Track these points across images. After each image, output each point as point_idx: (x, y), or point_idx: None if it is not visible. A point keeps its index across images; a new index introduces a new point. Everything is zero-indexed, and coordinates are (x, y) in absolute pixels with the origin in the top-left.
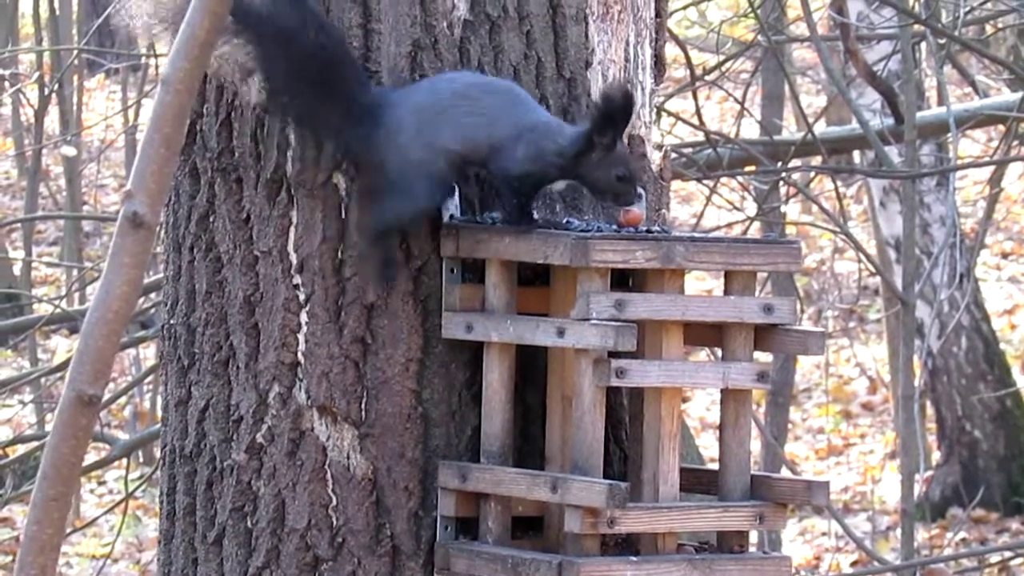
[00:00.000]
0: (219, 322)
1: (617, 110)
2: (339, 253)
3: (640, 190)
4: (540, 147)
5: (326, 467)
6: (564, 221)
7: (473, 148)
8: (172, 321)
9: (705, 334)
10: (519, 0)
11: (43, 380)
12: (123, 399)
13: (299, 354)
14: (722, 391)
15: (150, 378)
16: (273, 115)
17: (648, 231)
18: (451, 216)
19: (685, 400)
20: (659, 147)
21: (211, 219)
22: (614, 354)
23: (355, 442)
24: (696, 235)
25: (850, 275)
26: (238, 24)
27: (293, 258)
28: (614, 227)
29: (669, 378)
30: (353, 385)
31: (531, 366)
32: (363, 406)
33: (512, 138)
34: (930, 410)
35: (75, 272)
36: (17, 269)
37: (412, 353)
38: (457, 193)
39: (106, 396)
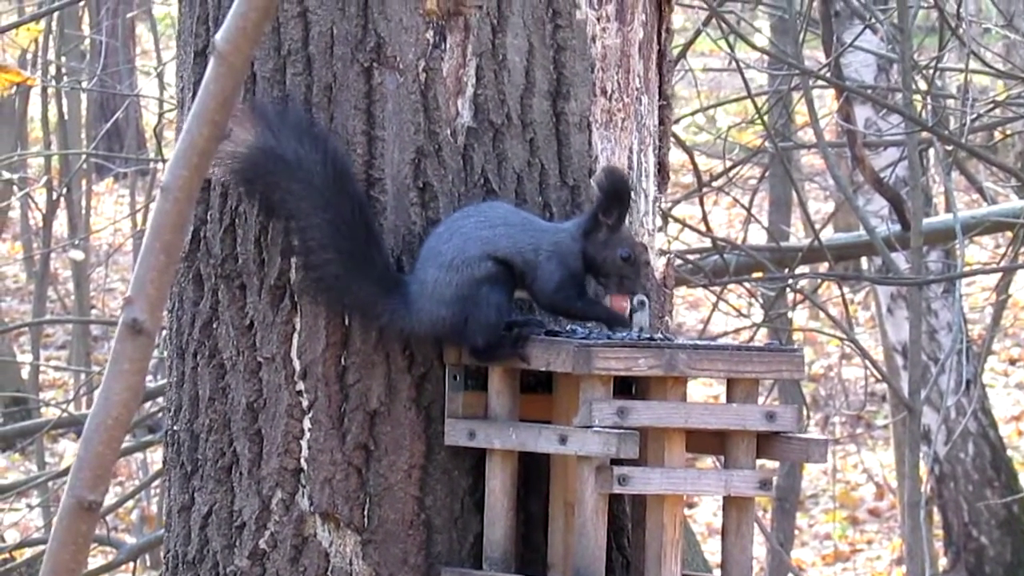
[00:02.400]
0: (222, 428)
1: (620, 185)
2: (342, 360)
3: (643, 297)
4: (560, 248)
5: (329, 573)
6: (567, 329)
7: (504, 248)
8: (175, 427)
9: (707, 441)
10: (523, 108)
11: (50, 484)
12: (130, 503)
13: (302, 460)
14: (724, 499)
15: (157, 482)
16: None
17: (651, 338)
18: None
19: (691, 505)
20: (663, 253)
21: (214, 325)
22: (616, 461)
23: (358, 548)
24: (699, 343)
25: (857, 381)
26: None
27: (296, 365)
28: (618, 335)
29: (671, 485)
30: (356, 491)
31: (534, 473)
32: (366, 512)
33: (533, 250)
34: (937, 516)
35: (82, 376)
36: (25, 373)
37: (415, 460)
38: None
39: (113, 500)
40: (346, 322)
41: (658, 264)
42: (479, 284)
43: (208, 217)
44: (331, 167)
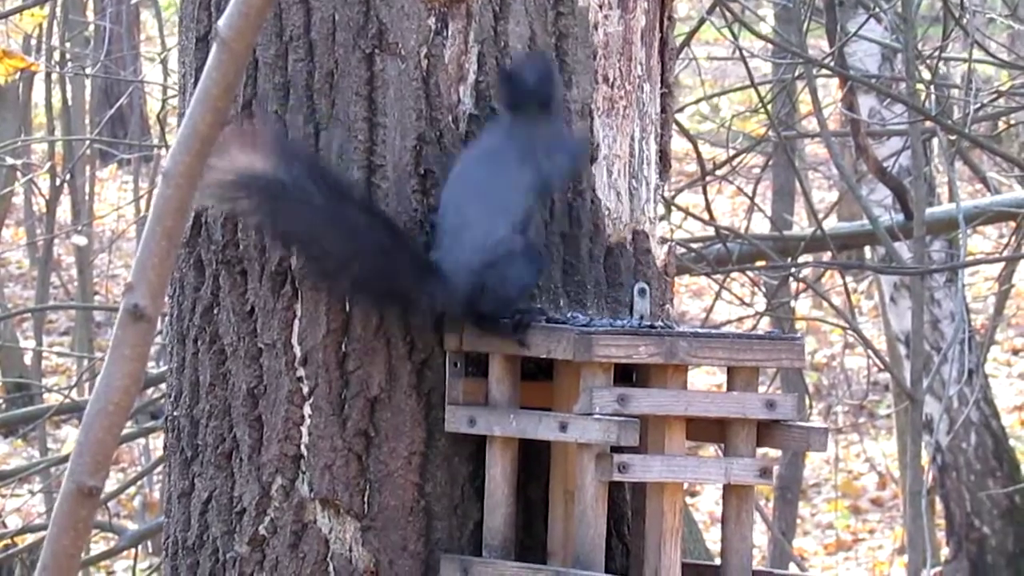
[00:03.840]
0: (222, 414)
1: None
2: (343, 346)
3: (644, 285)
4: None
5: (328, 560)
6: (568, 316)
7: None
8: (175, 413)
9: (708, 429)
10: None
11: (52, 470)
12: (132, 489)
13: (302, 447)
14: (724, 487)
15: (159, 468)
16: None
17: (651, 326)
18: None
19: (694, 494)
20: (664, 241)
21: (215, 311)
22: (616, 449)
23: (357, 535)
24: (699, 331)
25: (860, 370)
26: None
27: (297, 351)
28: (619, 323)
29: (671, 473)
30: (356, 478)
31: (534, 460)
32: (366, 499)
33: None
34: (939, 506)
35: (85, 362)
36: (28, 359)
37: (415, 446)
38: None
39: (115, 486)
40: (347, 308)
41: (659, 252)
42: (512, 256)
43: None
44: (323, 182)
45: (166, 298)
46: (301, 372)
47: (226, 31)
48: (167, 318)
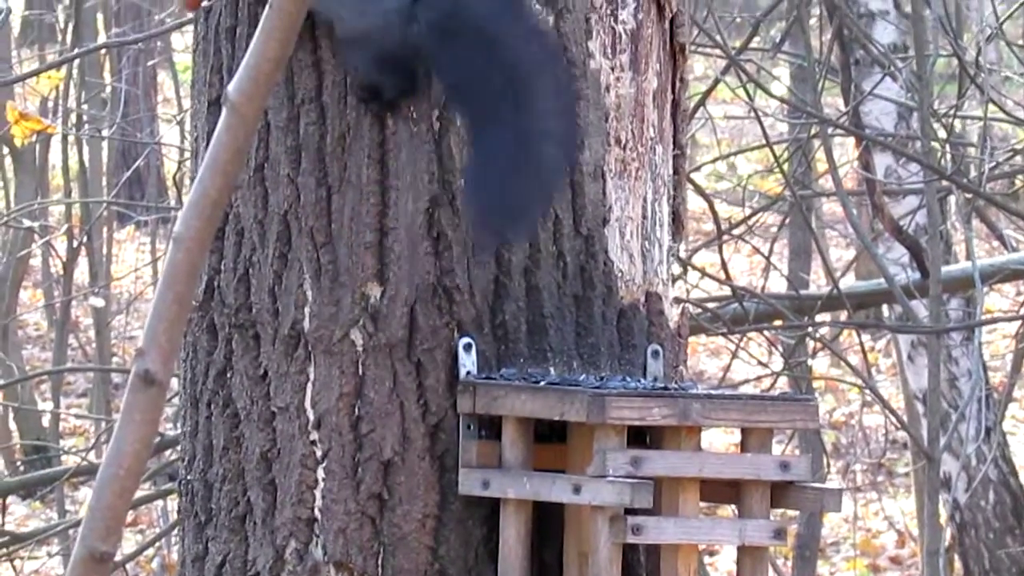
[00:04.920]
0: (236, 478)
1: None
2: (356, 409)
3: (657, 347)
4: None
5: None
6: (581, 377)
7: None
8: (189, 477)
9: (722, 490)
10: None
11: (70, 532)
12: (150, 551)
13: (316, 510)
14: (739, 548)
15: (177, 530)
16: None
17: (665, 388)
18: (468, 372)
19: (712, 553)
20: (677, 302)
21: (228, 375)
22: (630, 511)
23: None
24: (713, 392)
25: (878, 429)
26: None
27: (310, 414)
28: (633, 384)
29: (685, 535)
30: (370, 541)
31: (548, 522)
32: (380, 562)
33: None
34: (958, 564)
35: (103, 424)
36: (46, 420)
37: (429, 509)
38: (474, 349)
39: (134, 548)
40: (359, 372)
41: (672, 314)
42: None
43: (222, 266)
44: None
45: (179, 361)
46: (314, 435)
47: (236, 95)
48: (180, 381)
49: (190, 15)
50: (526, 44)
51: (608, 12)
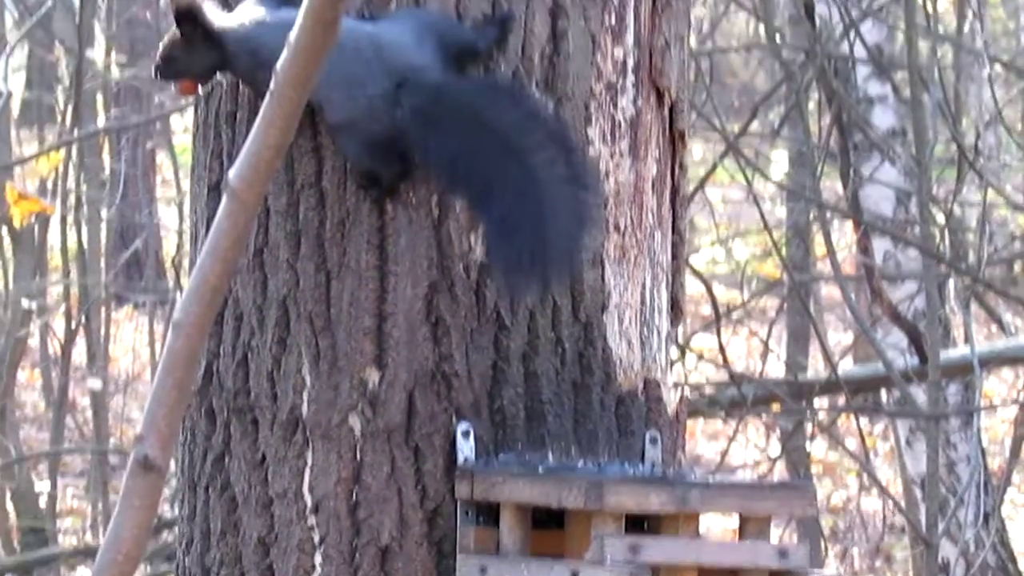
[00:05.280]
0: (234, 562)
1: None
2: (354, 495)
3: (655, 433)
4: None
5: None
6: (578, 464)
7: None
8: (187, 562)
9: None
10: None
11: None
12: None
13: None
14: None
15: None
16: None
17: (663, 475)
18: (466, 458)
19: None
20: (676, 387)
21: (226, 459)
22: None
23: None
24: (710, 480)
25: (876, 513)
26: None
27: (308, 499)
28: (631, 471)
29: None
30: None
31: None
32: None
33: None
34: None
35: (100, 505)
36: (43, 501)
37: None
38: (472, 435)
39: None
40: (357, 457)
41: (671, 400)
42: None
43: (220, 351)
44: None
45: (177, 445)
46: (312, 520)
47: (237, 182)
48: (178, 465)
49: (190, 99)
50: (515, 113)
51: (608, 99)
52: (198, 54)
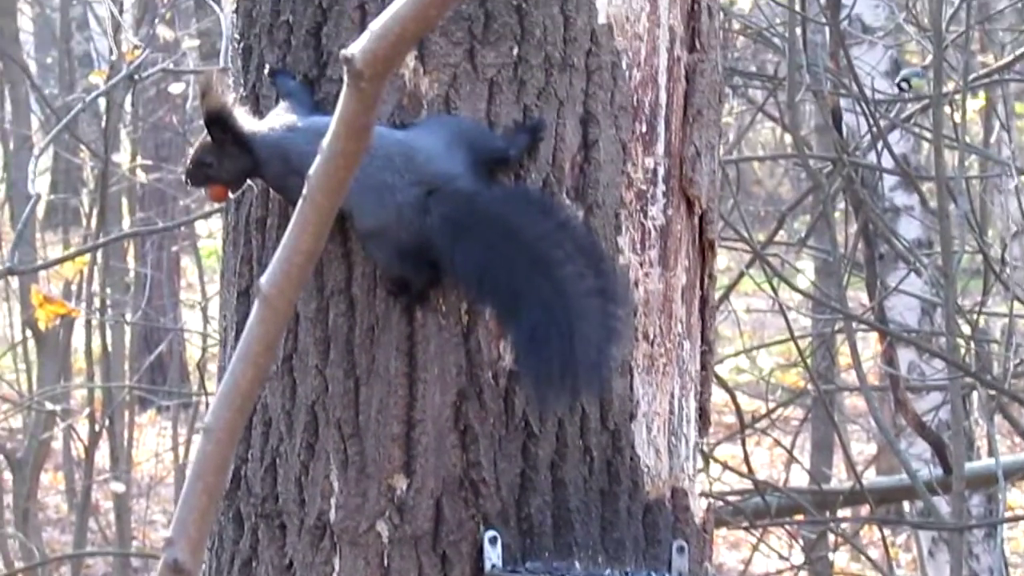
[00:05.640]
0: None
1: None
2: None
3: (683, 543)
4: None
5: None
6: (605, 572)
7: None
8: None
9: None
10: None
11: None
12: None
13: None
14: None
15: None
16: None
17: None
18: (493, 566)
19: None
20: (704, 496)
21: (254, 565)
22: None
23: None
24: None
25: None
26: None
27: None
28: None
29: None
30: None
31: None
32: None
33: None
34: None
35: None
36: None
37: None
38: (500, 542)
39: None
40: (385, 563)
41: (698, 509)
42: None
43: (249, 456)
44: None
45: (204, 550)
46: None
47: (268, 288)
48: (206, 570)
49: (216, 204)
50: (545, 224)
51: (638, 208)
52: (229, 159)
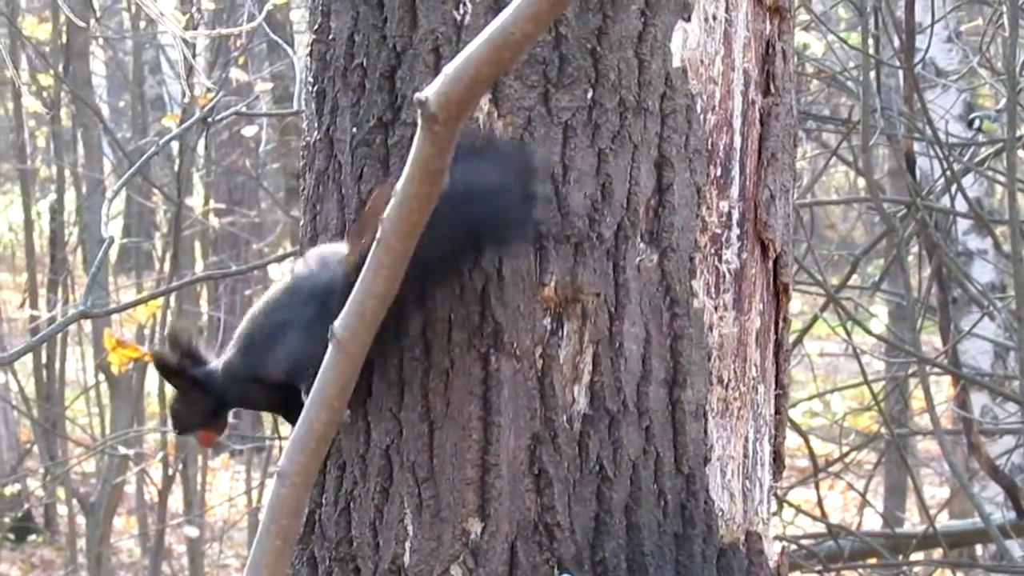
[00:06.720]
0: None
1: None
2: None
3: None
4: None
5: None
6: None
7: None
8: None
9: None
10: (639, 395)
11: None
12: None
13: None
14: None
15: None
16: None
17: None
18: None
19: None
20: (781, 539)
21: None
22: None
23: None
24: None
25: None
26: None
27: None
28: None
29: None
30: None
31: None
32: None
33: None
34: None
35: None
36: None
37: None
38: None
39: None
40: None
41: (772, 553)
42: None
43: (323, 500)
44: None
45: None
46: None
47: (342, 332)
48: None
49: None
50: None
51: (712, 251)
52: (193, 404)
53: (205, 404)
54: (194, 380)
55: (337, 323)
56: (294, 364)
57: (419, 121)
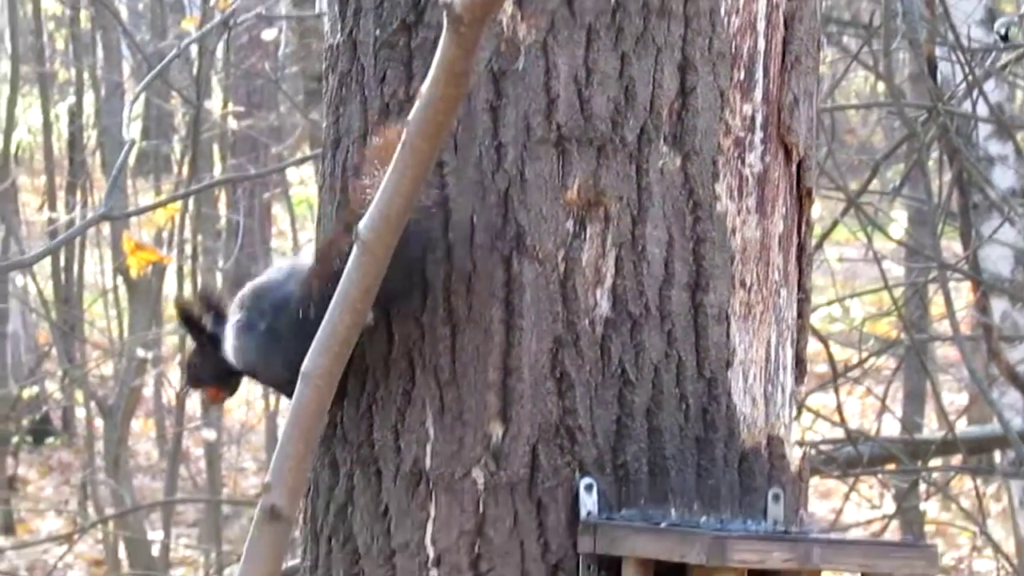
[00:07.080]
0: None
1: None
2: (476, 547)
3: (778, 490)
4: None
5: None
6: (701, 520)
7: None
8: None
9: None
10: (661, 299)
11: None
12: None
13: None
14: None
15: None
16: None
17: (786, 531)
18: (588, 513)
19: None
20: (800, 444)
21: (349, 511)
22: None
23: None
24: (833, 537)
25: (989, 574)
26: None
27: (430, 551)
28: (753, 527)
29: None
30: None
31: None
32: None
33: None
34: None
35: (213, 555)
36: (155, 550)
37: None
38: (596, 489)
39: None
40: (480, 510)
41: (794, 457)
42: None
43: (345, 403)
44: None
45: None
46: (434, 573)
47: (367, 234)
48: (301, 516)
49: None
50: None
51: (736, 155)
52: (207, 359)
53: (222, 364)
54: (213, 338)
55: (362, 225)
56: (246, 365)
57: (444, 23)
